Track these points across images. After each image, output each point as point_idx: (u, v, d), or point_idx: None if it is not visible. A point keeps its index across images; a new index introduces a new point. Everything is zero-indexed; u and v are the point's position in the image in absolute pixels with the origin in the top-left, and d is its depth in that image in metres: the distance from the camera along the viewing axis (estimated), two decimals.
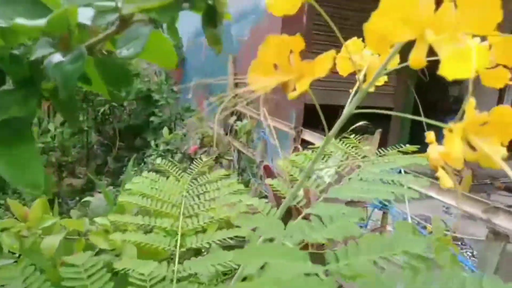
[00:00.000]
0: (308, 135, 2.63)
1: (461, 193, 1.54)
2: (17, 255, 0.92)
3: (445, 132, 0.24)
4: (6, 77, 0.31)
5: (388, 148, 0.88)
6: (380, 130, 2.12)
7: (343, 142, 0.82)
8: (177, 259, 0.61)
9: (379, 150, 0.89)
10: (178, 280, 0.61)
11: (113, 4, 0.26)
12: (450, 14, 0.21)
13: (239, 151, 3.45)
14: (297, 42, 0.25)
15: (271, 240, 0.33)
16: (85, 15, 0.28)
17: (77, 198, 4.24)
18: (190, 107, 4.69)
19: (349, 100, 0.35)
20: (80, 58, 0.25)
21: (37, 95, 0.30)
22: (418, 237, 0.86)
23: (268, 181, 0.56)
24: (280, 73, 0.26)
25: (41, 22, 0.24)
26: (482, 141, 0.26)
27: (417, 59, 0.22)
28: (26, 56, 0.29)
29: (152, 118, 4.93)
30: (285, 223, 0.52)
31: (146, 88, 5.08)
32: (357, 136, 0.86)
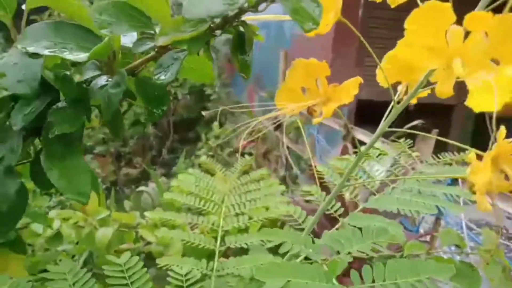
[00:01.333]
0: (359, 133, 2.55)
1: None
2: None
3: (471, 159, 0.23)
4: (60, 96, 0.34)
5: (447, 153, 0.83)
6: (437, 130, 2.01)
7: (392, 146, 0.79)
8: (216, 257, 0.64)
9: (437, 155, 0.84)
10: (219, 277, 0.63)
11: (150, 31, 0.27)
12: (479, 45, 0.20)
13: (287, 147, 3.45)
14: (324, 67, 0.26)
15: (297, 255, 0.34)
16: (128, 40, 0.30)
17: (133, 187, 4.47)
18: (239, 101, 4.76)
19: (384, 116, 0.34)
20: (121, 83, 0.28)
21: (85, 112, 0.33)
22: (463, 245, 0.81)
23: (305, 187, 0.57)
24: (307, 97, 0.27)
25: (83, 56, 0.27)
26: None
27: (445, 91, 0.21)
28: (76, 77, 0.32)
29: (204, 112, 5.07)
30: (321, 232, 0.52)
31: (199, 83, 5.22)
32: (408, 139, 0.82)
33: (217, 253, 0.66)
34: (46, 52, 0.28)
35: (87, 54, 0.27)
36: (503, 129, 0.23)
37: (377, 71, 0.40)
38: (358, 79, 0.25)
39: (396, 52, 0.21)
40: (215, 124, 3.74)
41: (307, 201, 0.72)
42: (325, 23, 0.29)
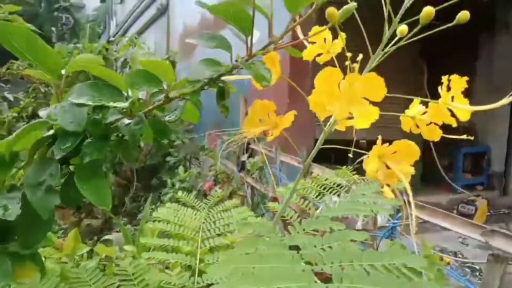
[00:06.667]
0: (317, 169, 2.75)
1: (460, 218, 1.63)
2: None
3: (365, 158, 0.39)
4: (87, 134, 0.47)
5: None
6: None
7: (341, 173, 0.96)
8: (197, 272, 0.75)
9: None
10: None
11: (161, 88, 0.42)
12: (357, 90, 0.36)
13: (252, 187, 3.58)
14: (272, 105, 0.41)
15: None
16: (142, 94, 0.44)
17: (95, 238, 4.34)
18: (204, 146, 4.89)
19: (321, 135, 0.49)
20: (141, 122, 0.41)
21: (109, 145, 0.45)
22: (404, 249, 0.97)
23: (270, 204, 0.70)
24: (263, 124, 0.42)
25: (125, 104, 0.40)
26: (396, 163, 0.40)
27: (342, 117, 0.37)
28: (102, 119, 0.45)
29: (168, 158, 5.12)
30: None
31: None
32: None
33: (197, 268, 0.76)
34: (88, 102, 0.41)
35: (126, 103, 0.40)
36: (380, 137, 0.39)
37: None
38: (293, 112, 0.40)
39: (312, 97, 0.37)
40: (181, 168, 3.82)
41: None
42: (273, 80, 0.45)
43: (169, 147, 5.31)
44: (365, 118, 0.35)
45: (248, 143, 3.96)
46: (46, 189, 0.44)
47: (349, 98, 0.35)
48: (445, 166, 4.91)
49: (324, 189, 0.83)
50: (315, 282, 0.32)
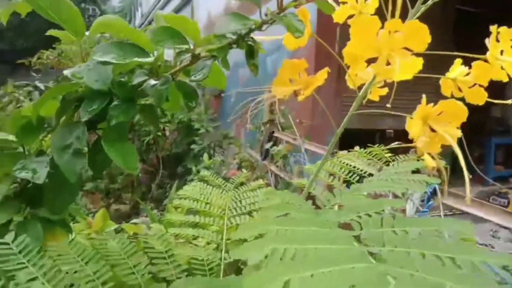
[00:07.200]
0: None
1: (496, 207, 1.55)
2: None
3: (408, 119, 0.36)
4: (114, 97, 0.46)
5: None
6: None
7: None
8: (223, 249, 0.74)
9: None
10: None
11: (187, 46, 0.40)
12: (398, 39, 0.33)
13: (276, 175, 3.57)
14: (303, 63, 0.38)
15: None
16: (168, 54, 0.43)
17: (123, 222, 4.43)
18: (228, 134, 4.90)
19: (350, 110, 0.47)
20: (167, 82, 0.40)
21: (135, 108, 0.44)
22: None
23: (297, 180, 0.68)
24: (293, 84, 0.39)
25: (150, 59, 0.39)
26: (441, 125, 0.37)
27: (381, 71, 0.34)
28: (128, 82, 0.44)
29: (192, 146, 5.17)
30: None
31: (187, 118, 5.36)
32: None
33: (224, 244, 0.76)
34: (113, 60, 0.40)
35: (151, 59, 0.39)
36: (424, 97, 0.36)
37: (346, 76, 0.53)
38: (326, 69, 0.37)
39: (348, 48, 0.34)
40: (205, 156, 3.85)
41: None
42: (300, 41, 0.43)
43: (194, 135, 5.36)
44: (407, 69, 0.32)
45: (272, 132, 3.94)
46: (73, 152, 0.44)
47: (389, 48, 0.33)
48: (476, 157, 4.72)
49: (354, 167, 0.80)
50: (355, 244, 0.29)
